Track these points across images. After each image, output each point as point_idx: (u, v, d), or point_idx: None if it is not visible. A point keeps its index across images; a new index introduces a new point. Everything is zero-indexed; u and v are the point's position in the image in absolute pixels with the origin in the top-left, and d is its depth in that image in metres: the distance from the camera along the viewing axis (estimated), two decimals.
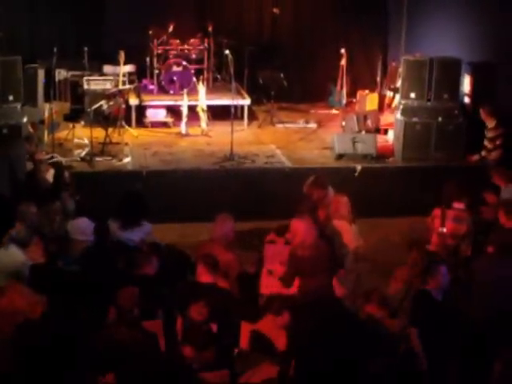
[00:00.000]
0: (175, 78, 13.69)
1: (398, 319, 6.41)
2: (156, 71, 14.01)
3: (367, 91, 14.01)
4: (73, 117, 13.04)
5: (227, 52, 12.10)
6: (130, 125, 12.89)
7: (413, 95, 11.63)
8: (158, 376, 4.96)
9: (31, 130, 11.13)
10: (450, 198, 8.23)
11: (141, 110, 13.29)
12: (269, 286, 7.13)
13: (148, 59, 14.12)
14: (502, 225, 7.64)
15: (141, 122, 13.19)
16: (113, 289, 5.96)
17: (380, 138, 12.43)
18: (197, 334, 5.77)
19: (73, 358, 5.15)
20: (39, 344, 5.15)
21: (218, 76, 15.01)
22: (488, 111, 11.00)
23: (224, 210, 7.61)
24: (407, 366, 5.83)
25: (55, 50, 11.67)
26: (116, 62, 13.33)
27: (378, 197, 10.82)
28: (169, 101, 13.46)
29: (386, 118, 13.10)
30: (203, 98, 12.82)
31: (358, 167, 11.19)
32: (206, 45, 14.33)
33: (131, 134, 12.62)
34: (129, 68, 13.89)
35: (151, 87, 14.12)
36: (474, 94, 12.13)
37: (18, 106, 10.92)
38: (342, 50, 14.38)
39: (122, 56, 13.06)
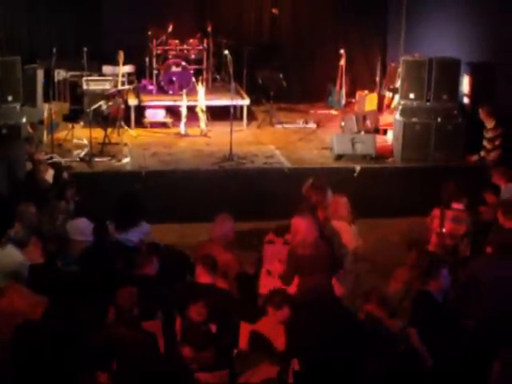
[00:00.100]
0: (174, 79, 13.68)
1: (397, 319, 6.41)
2: (155, 71, 14.01)
3: (366, 91, 14.01)
4: (72, 117, 13.04)
5: (226, 52, 12.09)
6: (129, 125, 12.88)
7: (412, 95, 11.63)
8: (156, 376, 4.96)
9: (30, 130, 11.12)
10: (449, 199, 8.24)
11: (140, 110, 13.29)
12: (268, 286, 7.11)
13: (147, 59, 14.12)
14: (501, 225, 7.64)
15: (140, 123, 13.19)
16: (112, 289, 5.95)
17: (379, 138, 12.43)
18: (196, 334, 5.77)
19: (72, 358, 5.15)
20: (39, 344, 5.15)
21: (217, 76, 15.00)
22: (487, 111, 11.00)
23: (223, 211, 7.61)
24: (407, 365, 5.83)
25: (54, 50, 11.69)
26: (115, 63, 13.34)
27: (377, 197, 10.82)
28: (168, 101, 13.45)
29: (385, 119, 13.10)
30: (202, 99, 12.82)
31: (358, 167, 11.19)
32: (205, 45, 14.33)
33: (130, 135, 12.62)
34: (128, 68, 13.90)
35: (150, 87, 14.12)
36: (473, 94, 12.13)
37: (18, 106, 10.91)
38: (341, 51, 14.39)
39: (121, 56, 13.07)
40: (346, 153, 11.63)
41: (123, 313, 5.72)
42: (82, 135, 12.00)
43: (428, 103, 11.61)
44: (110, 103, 12.27)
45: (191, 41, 14.41)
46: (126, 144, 12.08)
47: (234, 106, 12.29)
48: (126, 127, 12.69)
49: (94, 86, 13.10)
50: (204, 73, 14.29)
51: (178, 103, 13.00)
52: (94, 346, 5.28)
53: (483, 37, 12.06)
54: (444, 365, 5.87)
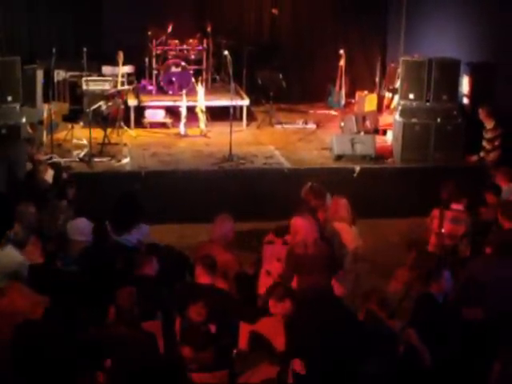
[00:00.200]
0: (174, 79, 13.69)
1: (396, 320, 6.40)
2: (155, 72, 14.01)
3: (366, 92, 14.02)
4: (72, 117, 13.05)
5: (226, 52, 12.09)
6: (128, 125, 12.89)
7: (412, 96, 11.64)
8: (155, 375, 4.96)
9: (30, 130, 11.12)
10: (449, 199, 8.23)
11: (139, 110, 13.29)
12: (267, 286, 7.11)
13: (147, 60, 14.12)
14: (501, 225, 7.64)
15: (139, 123, 13.19)
16: (111, 289, 5.95)
17: (379, 138, 12.44)
18: (195, 334, 5.77)
19: (72, 358, 5.15)
20: (39, 344, 5.15)
21: (217, 76, 15.01)
22: (487, 112, 11.00)
23: (223, 211, 7.60)
24: (407, 366, 5.83)
25: (54, 50, 11.69)
26: (115, 63, 13.34)
27: (376, 197, 10.82)
28: (168, 101, 13.45)
29: (385, 119, 13.11)
30: (202, 99, 12.82)
31: (357, 168, 11.19)
32: (204, 45, 14.34)
33: (130, 135, 12.62)
34: (128, 69, 13.90)
35: (150, 88, 14.12)
36: (472, 94, 12.14)
37: (17, 106, 10.92)
38: (341, 51, 14.40)
39: (120, 56, 13.08)
40: (346, 153, 11.63)
41: (123, 313, 5.72)
42: (81, 135, 12.01)
43: (428, 104, 11.62)
44: (110, 103, 12.28)
45: (191, 41, 14.41)
46: (125, 144, 12.09)
47: (234, 107, 12.28)
48: (125, 127, 12.70)
49: (93, 87, 13.10)
50: (204, 73, 14.31)
51: (177, 103, 13.00)
52: (88, 344, 5.29)
53: (483, 37, 12.07)
54: (444, 366, 5.87)
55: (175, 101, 13.15)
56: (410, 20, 14.71)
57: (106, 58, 13.97)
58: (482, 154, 11.25)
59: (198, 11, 15.52)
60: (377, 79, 14.55)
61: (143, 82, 14.44)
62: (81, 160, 11.16)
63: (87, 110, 12.04)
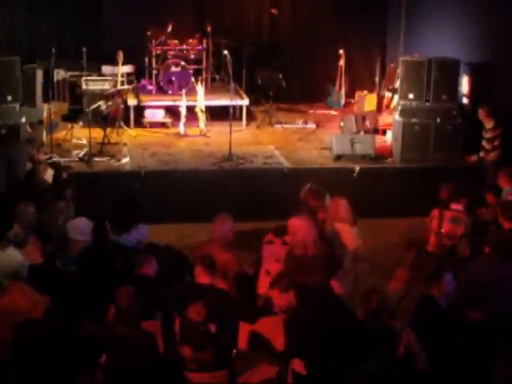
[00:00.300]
0: (174, 79, 13.68)
1: (396, 319, 6.40)
2: (154, 71, 14.01)
3: (366, 92, 14.02)
4: (71, 117, 13.05)
5: (226, 52, 12.10)
6: (128, 125, 12.89)
7: (411, 96, 11.64)
8: (153, 375, 4.97)
9: (30, 130, 11.12)
10: (448, 199, 8.23)
11: (139, 110, 13.29)
12: (267, 286, 7.10)
13: (146, 59, 14.12)
14: (501, 225, 7.64)
15: (139, 123, 13.19)
16: (111, 289, 5.95)
17: (378, 138, 12.43)
18: (195, 334, 5.77)
19: (72, 357, 5.15)
20: (39, 344, 5.15)
21: (217, 76, 15.01)
22: (486, 112, 10.99)
23: (222, 211, 7.60)
24: (407, 366, 5.82)
25: (54, 50, 11.68)
26: (114, 63, 13.34)
27: (376, 197, 10.82)
28: (167, 101, 13.45)
29: (385, 119, 13.10)
30: (202, 99, 12.81)
31: (357, 168, 11.19)
32: (204, 45, 14.34)
33: (129, 135, 12.62)
34: (127, 68, 13.90)
35: (150, 87, 14.12)
36: (472, 94, 12.14)
37: (17, 106, 10.91)
38: (341, 51, 14.39)
39: (120, 56, 13.08)
40: (346, 153, 11.63)
41: (122, 312, 5.72)
42: (81, 135, 12.01)
43: (427, 103, 11.61)
44: (110, 103, 12.28)
45: (190, 41, 14.42)
46: (125, 144, 12.09)
47: (234, 106, 12.28)
48: (125, 127, 12.70)
49: (93, 86, 13.10)
50: (203, 73, 14.31)
51: (177, 103, 13.00)
52: (86, 340, 5.30)
53: (482, 37, 12.07)
54: (444, 366, 5.86)
55: (175, 100, 13.15)
56: (410, 20, 14.71)
57: (106, 58, 13.97)
58: (481, 153, 11.25)
59: (197, 11, 15.52)
60: (376, 79, 14.54)
61: (143, 81, 14.44)
62: (80, 160, 11.16)
63: (87, 110, 12.04)
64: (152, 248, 7.04)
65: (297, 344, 5.74)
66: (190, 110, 12.79)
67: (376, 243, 9.44)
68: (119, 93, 12.80)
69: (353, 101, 14.57)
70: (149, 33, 14.06)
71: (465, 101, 12.28)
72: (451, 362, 5.86)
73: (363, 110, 13.39)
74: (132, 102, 13.15)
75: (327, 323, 5.79)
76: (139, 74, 14.38)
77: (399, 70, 12.14)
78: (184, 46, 14.34)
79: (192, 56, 14.34)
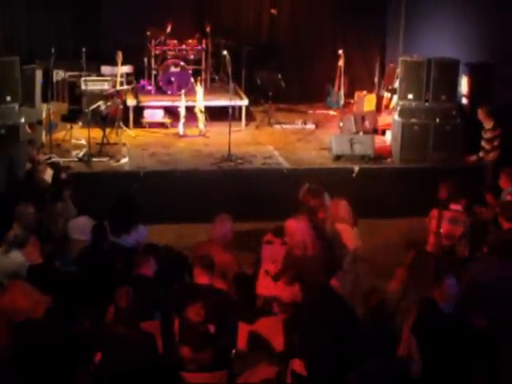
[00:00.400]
0: (173, 79, 13.68)
1: (396, 319, 6.40)
2: (154, 72, 14.01)
3: (365, 92, 14.03)
4: (70, 117, 13.05)
5: (225, 53, 12.10)
6: (127, 125, 12.88)
7: (410, 96, 11.63)
8: (152, 375, 4.97)
9: (29, 130, 11.12)
10: (448, 199, 8.23)
11: (138, 110, 13.28)
12: (266, 286, 7.11)
13: (146, 60, 14.11)
14: (500, 225, 7.64)
15: (138, 123, 13.18)
16: (110, 289, 5.95)
17: (378, 138, 12.42)
18: (194, 334, 5.77)
19: (72, 356, 5.16)
20: (39, 343, 5.15)
21: (216, 77, 15.01)
22: (486, 112, 10.99)
23: (222, 211, 7.61)
24: (407, 366, 5.82)
25: (53, 50, 11.65)
26: (114, 63, 13.33)
27: (375, 198, 10.82)
28: (166, 101, 13.45)
29: (384, 119, 13.10)
30: (201, 99, 12.81)
31: (356, 168, 11.19)
32: (203, 45, 14.34)
33: (129, 135, 12.62)
34: (126, 69, 13.89)
35: (149, 88, 14.11)
36: (471, 94, 12.14)
37: (16, 106, 10.89)
38: (340, 51, 14.41)
39: (119, 56, 13.06)
40: (345, 153, 11.63)
41: (121, 312, 5.72)
42: (80, 135, 12.01)
43: (426, 104, 11.61)
44: (109, 103, 12.28)
45: (190, 41, 14.41)
46: (124, 144, 12.09)
47: (233, 107, 12.29)
48: (124, 127, 12.69)
49: (92, 87, 13.09)
50: (203, 73, 14.31)
51: (176, 103, 13.00)
52: (85, 338, 5.31)
53: (482, 37, 12.07)
54: (444, 366, 5.86)
55: (174, 101, 13.15)
56: (409, 20, 14.71)
57: (105, 58, 13.96)
58: (481, 154, 11.25)
59: (196, 11, 15.52)
60: (376, 79, 14.54)
61: (142, 81, 14.43)
62: (80, 160, 11.15)
63: (86, 110, 12.04)
64: (151, 248, 7.04)
65: (298, 341, 5.75)
66: (190, 110, 12.79)
67: (375, 243, 9.44)
68: (118, 93, 12.80)
69: (352, 101, 14.58)
70: (148, 33, 14.05)
71: (464, 101, 12.28)
72: (451, 361, 5.85)
73: (362, 111, 13.40)
74: (131, 102, 13.15)
75: (329, 320, 5.79)
76: (138, 74, 14.37)
77: (398, 70, 12.14)
78: (183, 47, 14.33)
79: (191, 56, 14.33)
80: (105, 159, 11.27)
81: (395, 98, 12.61)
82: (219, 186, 10.77)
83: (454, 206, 8.19)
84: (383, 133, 12.92)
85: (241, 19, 16.00)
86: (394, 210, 10.76)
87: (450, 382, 5.84)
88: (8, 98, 10.76)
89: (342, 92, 14.63)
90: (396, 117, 11.81)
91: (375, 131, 12.90)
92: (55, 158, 10.95)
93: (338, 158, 11.64)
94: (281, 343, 5.97)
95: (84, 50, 12.08)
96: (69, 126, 12.24)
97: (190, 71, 13.94)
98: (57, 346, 5.22)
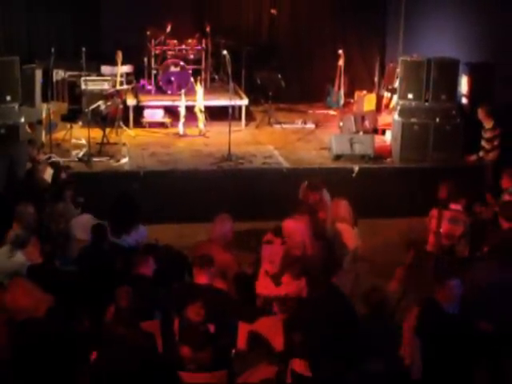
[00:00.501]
0: (173, 79, 13.69)
1: (396, 319, 6.40)
2: (154, 71, 14.01)
3: (365, 92, 14.03)
4: (70, 117, 13.05)
5: (225, 52, 12.10)
6: (127, 125, 12.88)
7: (410, 96, 11.63)
8: (151, 375, 4.98)
9: (29, 130, 11.12)
10: (447, 199, 8.23)
11: (138, 110, 13.28)
12: (266, 286, 7.11)
13: (146, 59, 14.12)
14: (500, 225, 7.63)
15: (138, 123, 13.18)
16: (110, 289, 5.96)
17: (378, 138, 12.42)
18: (194, 334, 5.77)
19: (72, 356, 5.16)
20: (40, 343, 5.15)
21: (216, 76, 15.01)
22: (486, 112, 10.99)
23: (222, 211, 7.61)
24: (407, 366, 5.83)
25: (53, 50, 11.65)
26: (114, 63, 13.33)
27: (375, 197, 10.82)
28: (166, 101, 13.45)
29: (384, 119, 13.09)
30: (201, 99, 12.80)
31: (356, 168, 11.19)
32: (203, 45, 14.34)
33: (129, 135, 12.62)
34: (126, 68, 13.89)
35: (149, 87, 14.12)
36: (471, 94, 12.14)
37: (16, 106, 10.92)
38: (340, 51, 14.41)
39: (119, 56, 13.06)
40: (345, 153, 11.63)
41: (120, 312, 5.72)
42: (80, 135, 12.01)
43: (426, 103, 11.61)
44: (109, 103, 12.28)
45: (190, 41, 14.41)
46: (124, 144, 12.09)
47: (233, 106, 12.29)
48: (124, 127, 12.69)
49: (92, 86, 13.09)
50: (202, 73, 14.31)
51: (176, 103, 13.00)
52: (84, 336, 5.32)
53: (482, 37, 12.07)
54: (444, 366, 5.85)
55: (174, 100, 13.15)
56: (409, 20, 14.71)
57: (105, 58, 13.96)
58: (481, 153, 11.25)
59: (196, 11, 15.52)
60: (376, 79, 14.53)
61: (142, 81, 14.44)
62: (80, 160, 11.15)
63: (86, 110, 12.05)
64: (150, 248, 7.04)
65: (299, 339, 5.74)
66: (189, 110, 12.79)
67: (375, 243, 9.44)
68: (118, 93, 12.81)
69: (352, 101, 14.58)
70: (148, 33, 14.06)
71: (464, 101, 12.28)
72: (451, 362, 5.85)
73: (362, 110, 13.39)
74: (131, 101, 13.15)
75: (332, 317, 5.79)
76: (138, 73, 14.37)
77: (398, 70, 12.14)
78: (183, 46, 14.33)
79: (191, 56, 14.33)
80: (105, 159, 11.27)
81: (395, 97, 12.61)
82: (219, 185, 10.77)
83: (453, 206, 8.19)
84: (383, 132, 12.92)
85: (241, 19, 15.99)
86: (394, 209, 10.76)
87: (450, 382, 5.83)
88: (8, 98, 10.78)
89: (341, 92, 14.63)
90: (396, 116, 11.82)
91: (375, 131, 12.90)
92: (55, 158, 10.95)
93: (337, 157, 11.64)
94: (281, 343, 5.97)
95: (84, 49, 12.09)
96: (69, 125, 12.24)
97: (190, 71, 13.93)
98: (57, 346, 5.22)
